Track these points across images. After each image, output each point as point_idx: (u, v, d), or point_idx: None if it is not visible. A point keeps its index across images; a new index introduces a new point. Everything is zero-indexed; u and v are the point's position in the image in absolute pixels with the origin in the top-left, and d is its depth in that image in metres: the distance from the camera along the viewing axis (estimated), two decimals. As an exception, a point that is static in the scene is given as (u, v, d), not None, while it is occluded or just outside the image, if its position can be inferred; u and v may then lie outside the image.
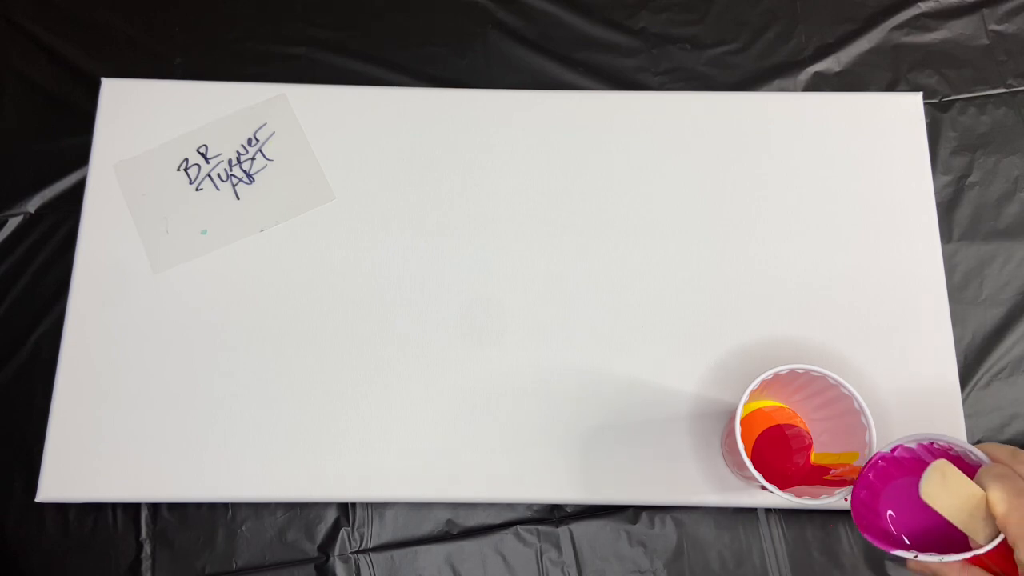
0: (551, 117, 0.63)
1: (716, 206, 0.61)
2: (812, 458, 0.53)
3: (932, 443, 0.41)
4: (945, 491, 0.36)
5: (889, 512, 0.42)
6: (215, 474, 0.55)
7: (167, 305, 0.59)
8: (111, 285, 0.59)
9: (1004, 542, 0.35)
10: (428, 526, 0.58)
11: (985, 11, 0.69)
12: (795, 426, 0.54)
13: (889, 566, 0.56)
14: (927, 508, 0.38)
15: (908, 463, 0.43)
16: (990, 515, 0.35)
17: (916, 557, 0.38)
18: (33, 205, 0.64)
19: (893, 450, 0.42)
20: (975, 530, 0.35)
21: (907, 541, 0.41)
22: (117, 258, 0.60)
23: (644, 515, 0.58)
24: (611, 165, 0.62)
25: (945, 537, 0.40)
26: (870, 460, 0.43)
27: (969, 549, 0.36)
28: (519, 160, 0.62)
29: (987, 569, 0.36)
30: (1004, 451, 0.38)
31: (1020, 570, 0.34)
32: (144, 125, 0.63)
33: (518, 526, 0.57)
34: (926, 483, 0.36)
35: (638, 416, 0.56)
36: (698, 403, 0.57)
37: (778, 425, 0.54)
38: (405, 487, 0.55)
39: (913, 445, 0.42)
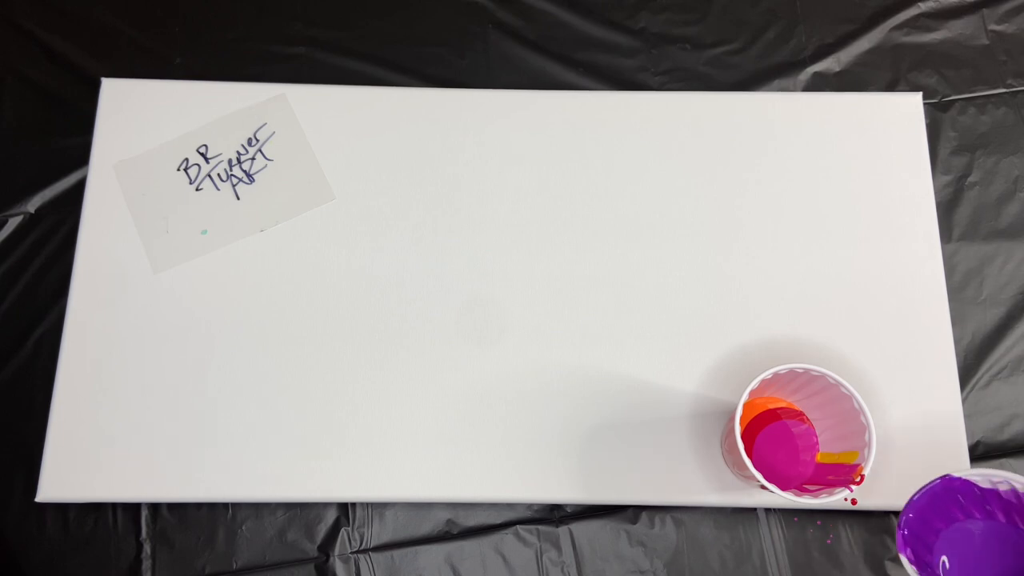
0: (551, 117, 0.63)
1: (716, 206, 0.61)
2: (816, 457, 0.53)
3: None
4: None
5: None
6: (215, 474, 0.55)
7: (167, 305, 0.59)
8: (111, 285, 0.59)
9: None
10: (428, 526, 0.58)
11: (985, 11, 0.69)
12: (802, 424, 0.54)
13: (889, 566, 0.56)
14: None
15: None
16: None
17: None
18: (33, 205, 0.64)
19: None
20: None
21: None
22: (117, 258, 0.60)
23: (644, 515, 0.58)
24: (611, 165, 0.62)
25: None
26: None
27: None
28: (519, 160, 0.62)
29: None
30: None
31: None
32: (144, 125, 0.63)
33: (518, 526, 0.57)
34: None
35: (638, 416, 0.56)
36: (698, 403, 0.57)
37: (783, 422, 0.54)
38: (405, 487, 0.55)
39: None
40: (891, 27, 0.69)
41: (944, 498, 0.42)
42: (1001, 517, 0.41)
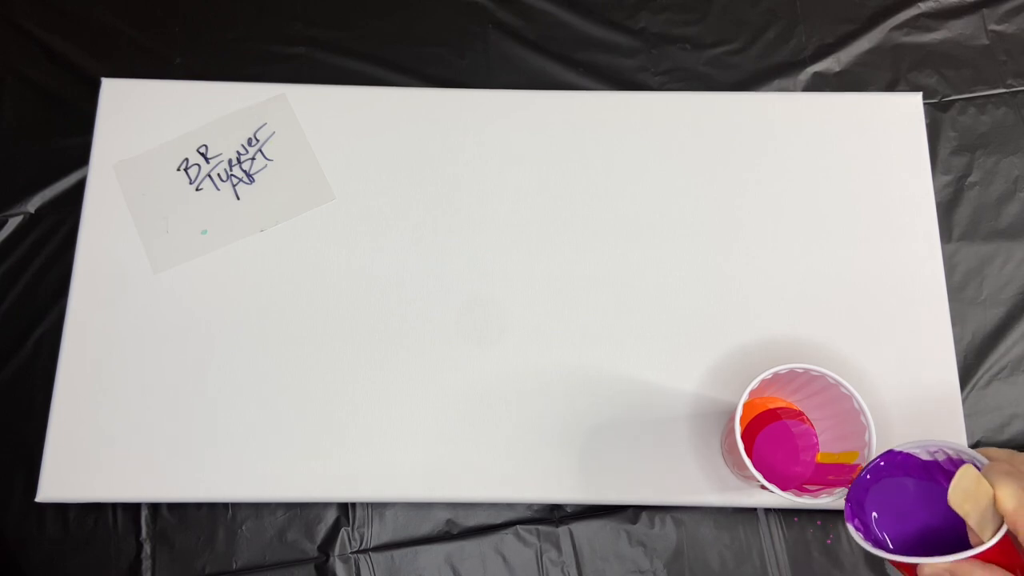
0: (551, 117, 0.63)
1: (715, 206, 0.61)
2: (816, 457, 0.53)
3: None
4: (971, 498, 0.36)
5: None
6: (215, 474, 0.55)
7: (167, 305, 0.59)
8: (111, 285, 0.59)
9: (1005, 537, 0.35)
10: (428, 526, 0.58)
11: (985, 11, 0.69)
12: (802, 424, 0.54)
13: (889, 567, 0.56)
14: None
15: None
16: (996, 512, 0.35)
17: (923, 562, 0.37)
18: (33, 205, 0.64)
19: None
20: (983, 525, 0.35)
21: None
22: (117, 258, 0.60)
23: (644, 515, 0.58)
24: (611, 165, 0.62)
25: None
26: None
27: (958, 550, 0.36)
28: (519, 160, 0.62)
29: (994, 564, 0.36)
30: (1002, 453, 0.38)
31: None
32: (144, 125, 0.63)
33: (518, 526, 0.57)
34: (955, 493, 0.36)
35: (638, 416, 0.56)
36: (698, 403, 0.57)
37: (783, 422, 0.54)
38: (405, 487, 0.55)
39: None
40: (891, 27, 0.69)
41: (890, 472, 0.43)
42: (945, 484, 0.42)
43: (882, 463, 0.43)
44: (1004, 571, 0.35)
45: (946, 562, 0.36)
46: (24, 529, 0.58)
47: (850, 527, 0.41)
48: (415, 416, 0.56)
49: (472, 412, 0.57)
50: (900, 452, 0.42)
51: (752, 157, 0.62)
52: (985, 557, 0.35)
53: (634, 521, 0.58)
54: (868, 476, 0.43)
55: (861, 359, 0.57)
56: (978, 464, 0.38)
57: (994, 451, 0.38)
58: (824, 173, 0.61)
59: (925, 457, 0.42)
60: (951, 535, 0.39)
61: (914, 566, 0.37)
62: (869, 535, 0.41)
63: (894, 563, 0.39)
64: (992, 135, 0.66)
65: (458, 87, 0.66)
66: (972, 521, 0.36)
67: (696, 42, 0.69)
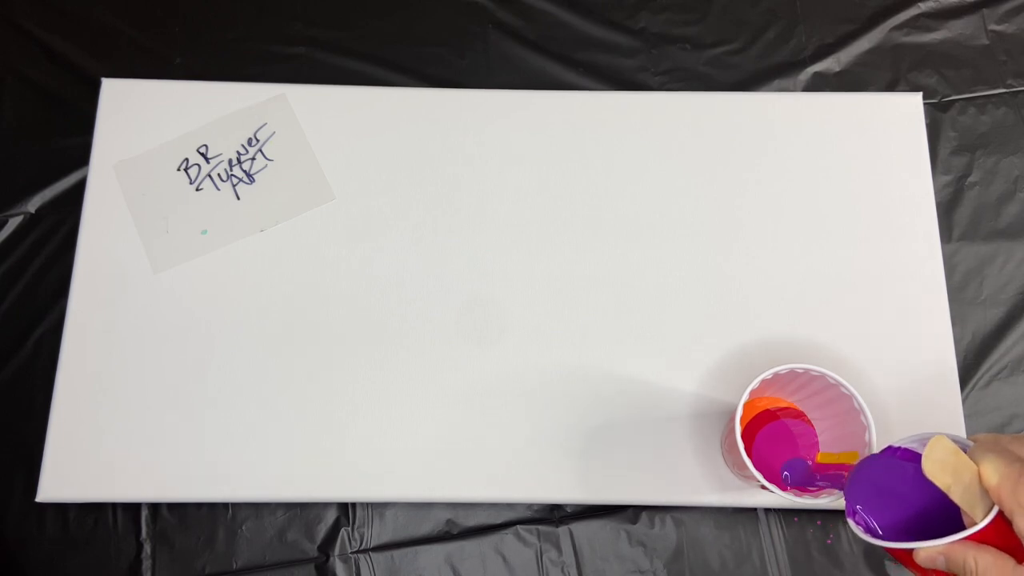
0: (551, 117, 0.63)
1: (715, 206, 0.61)
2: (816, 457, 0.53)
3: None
4: (950, 469, 0.36)
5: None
6: (215, 474, 0.55)
7: (167, 305, 0.59)
8: (111, 285, 0.59)
9: (1000, 518, 0.35)
10: (428, 526, 0.58)
11: (985, 11, 0.69)
12: (802, 424, 0.54)
13: (889, 566, 0.56)
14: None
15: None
16: (984, 490, 0.35)
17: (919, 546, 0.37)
18: (33, 205, 0.64)
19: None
20: (972, 505, 0.35)
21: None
22: (117, 258, 0.60)
23: (644, 515, 0.58)
24: (611, 165, 0.62)
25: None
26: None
27: (941, 535, 0.36)
28: (519, 160, 0.62)
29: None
30: (989, 435, 0.38)
31: (1022, 540, 0.34)
32: (144, 125, 0.63)
33: (518, 526, 0.57)
34: (928, 462, 0.36)
35: (638, 416, 0.56)
36: (698, 403, 0.57)
37: (783, 422, 0.54)
38: (405, 487, 0.55)
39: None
40: (891, 27, 0.69)
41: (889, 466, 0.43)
42: None
43: (881, 457, 0.43)
44: (997, 551, 0.35)
45: (939, 545, 0.36)
46: (24, 529, 0.58)
47: (851, 522, 0.41)
48: (415, 416, 0.56)
49: (472, 412, 0.57)
50: (899, 448, 0.42)
51: (752, 157, 0.62)
52: (980, 538, 0.35)
53: (634, 521, 0.58)
54: (862, 470, 0.43)
55: (861, 359, 0.57)
56: (965, 447, 0.38)
57: (981, 435, 0.39)
58: (824, 173, 0.61)
59: (922, 451, 0.42)
60: (950, 523, 0.39)
61: (911, 553, 0.37)
62: (868, 527, 0.41)
63: (890, 550, 0.39)
64: (992, 135, 0.66)
65: (458, 87, 0.66)
66: (956, 496, 0.36)
67: (696, 42, 0.69)
